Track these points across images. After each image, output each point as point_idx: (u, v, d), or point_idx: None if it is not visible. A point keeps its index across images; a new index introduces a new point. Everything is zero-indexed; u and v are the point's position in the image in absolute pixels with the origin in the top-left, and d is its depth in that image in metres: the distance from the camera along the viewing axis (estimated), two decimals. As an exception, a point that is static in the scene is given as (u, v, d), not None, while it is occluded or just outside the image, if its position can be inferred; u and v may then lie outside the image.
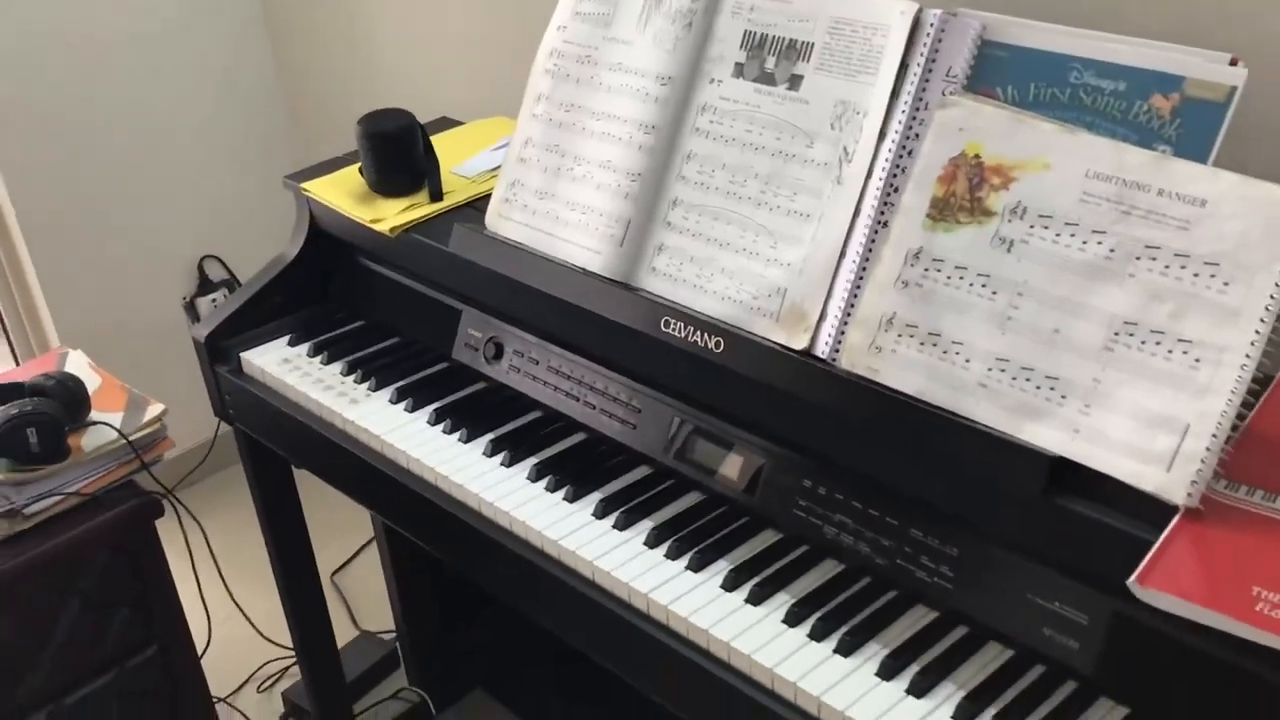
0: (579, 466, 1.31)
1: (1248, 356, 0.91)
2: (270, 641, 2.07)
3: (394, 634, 2.13)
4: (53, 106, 2.30)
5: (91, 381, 1.83)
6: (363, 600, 2.25)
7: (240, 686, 2.10)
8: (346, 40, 2.33)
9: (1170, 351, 0.94)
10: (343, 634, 2.14)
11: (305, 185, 1.60)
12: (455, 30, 2.09)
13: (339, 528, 2.29)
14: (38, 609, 1.70)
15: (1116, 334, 0.97)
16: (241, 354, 1.58)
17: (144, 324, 2.48)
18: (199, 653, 1.91)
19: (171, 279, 2.56)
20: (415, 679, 2.06)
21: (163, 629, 1.85)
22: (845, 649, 1.06)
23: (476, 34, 2.05)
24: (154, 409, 1.81)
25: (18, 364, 2.47)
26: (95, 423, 1.76)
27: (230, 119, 2.53)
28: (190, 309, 2.59)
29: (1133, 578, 0.88)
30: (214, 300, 2.57)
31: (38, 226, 2.34)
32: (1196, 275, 0.94)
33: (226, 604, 2.03)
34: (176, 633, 1.88)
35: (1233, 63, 0.96)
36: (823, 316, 1.14)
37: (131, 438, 1.76)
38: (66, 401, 1.74)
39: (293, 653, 2.04)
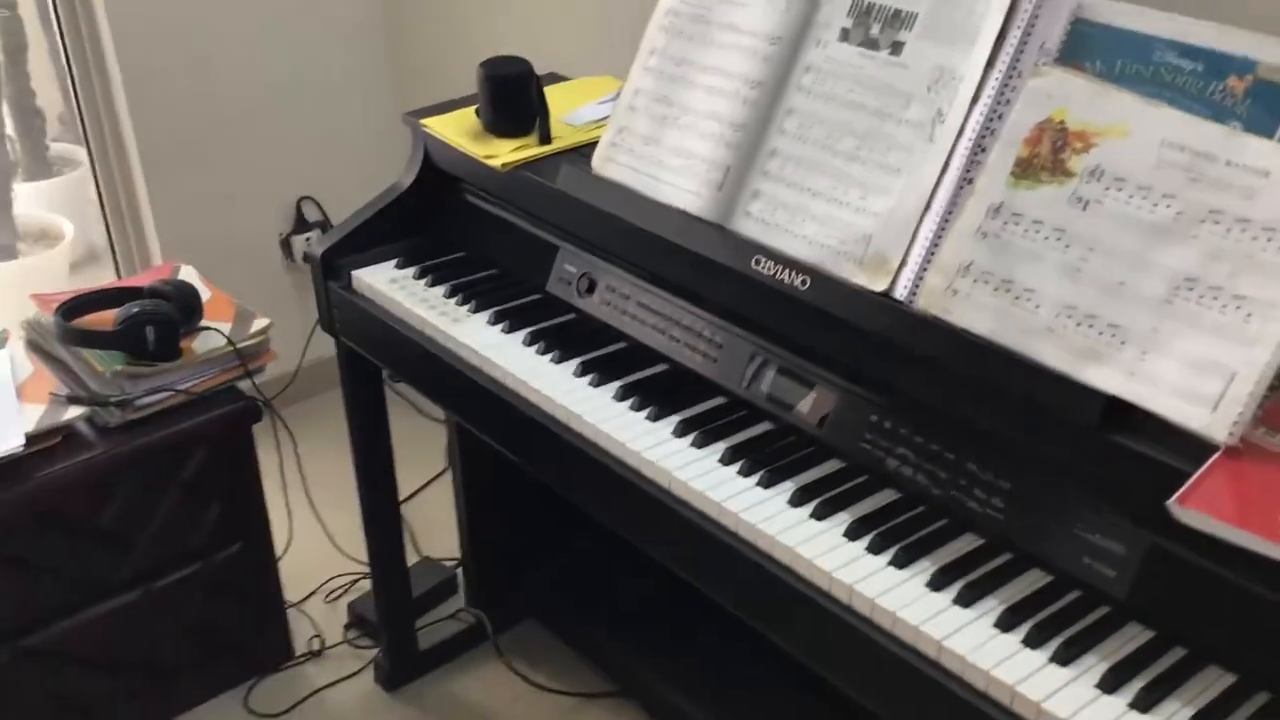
0: (661, 391, 1.41)
1: (1295, 313, 1.00)
2: (343, 554, 2.20)
3: (454, 562, 2.24)
4: (174, 43, 2.44)
5: (204, 293, 1.97)
6: (425, 529, 2.37)
7: (310, 595, 2.22)
8: None
9: (1225, 306, 1.03)
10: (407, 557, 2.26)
11: (424, 121, 1.72)
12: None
13: (409, 460, 2.41)
14: (141, 495, 1.85)
15: (1177, 288, 1.06)
16: (354, 271, 1.70)
17: (241, 255, 2.61)
18: (276, 557, 2.05)
19: (270, 215, 2.69)
20: (472, 604, 2.17)
21: (248, 528, 1.99)
22: (900, 562, 1.16)
23: None
24: (260, 322, 1.95)
25: (119, 277, 2.61)
26: (206, 328, 1.90)
27: (336, 67, 2.66)
28: (285, 246, 2.73)
29: (1173, 499, 0.98)
30: (308, 239, 2.70)
31: (153, 152, 2.49)
32: (1255, 239, 1.03)
33: (306, 515, 2.16)
34: (259, 534, 2.02)
35: (1307, 49, 1.05)
36: (904, 263, 1.24)
37: (239, 345, 1.89)
38: (182, 306, 1.88)
39: (360, 567, 2.16)
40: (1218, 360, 1.03)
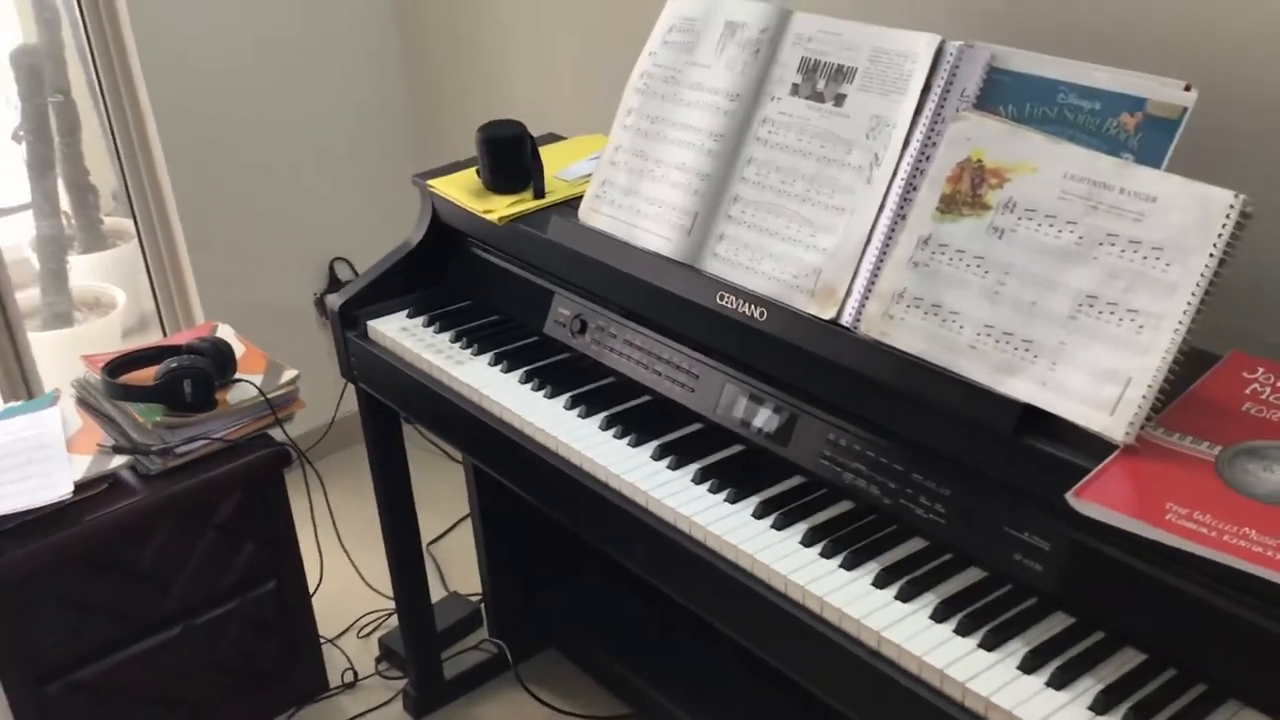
0: (643, 420, 1.54)
1: (1180, 323, 1.11)
2: (374, 590, 2.33)
3: (479, 596, 2.37)
4: (212, 121, 2.63)
5: (238, 349, 2.13)
6: (454, 567, 2.50)
7: (344, 631, 2.36)
8: (470, 68, 2.63)
9: (1120, 319, 1.15)
10: (434, 594, 2.39)
11: (430, 182, 1.88)
12: (567, 57, 2.37)
13: (437, 504, 2.56)
14: (181, 536, 1.99)
15: (1080, 305, 1.17)
16: (369, 321, 1.85)
17: (278, 315, 2.78)
18: (310, 594, 2.19)
19: (306, 275, 2.86)
20: (496, 634, 2.29)
21: (281, 567, 2.13)
22: (849, 564, 1.27)
23: (585, 62, 2.32)
24: (289, 374, 2.10)
25: (165, 336, 2.79)
26: (240, 380, 2.05)
27: (363, 137, 2.84)
28: (319, 304, 2.90)
29: (1071, 492, 1.08)
30: (341, 298, 2.87)
31: (195, 222, 2.67)
32: (1145, 258, 1.14)
33: (338, 556, 2.30)
34: (293, 572, 2.15)
35: (1186, 88, 1.17)
36: (849, 292, 1.36)
37: (269, 395, 2.04)
38: (217, 361, 2.04)
39: (389, 603, 2.29)
40: (1115, 368, 1.14)
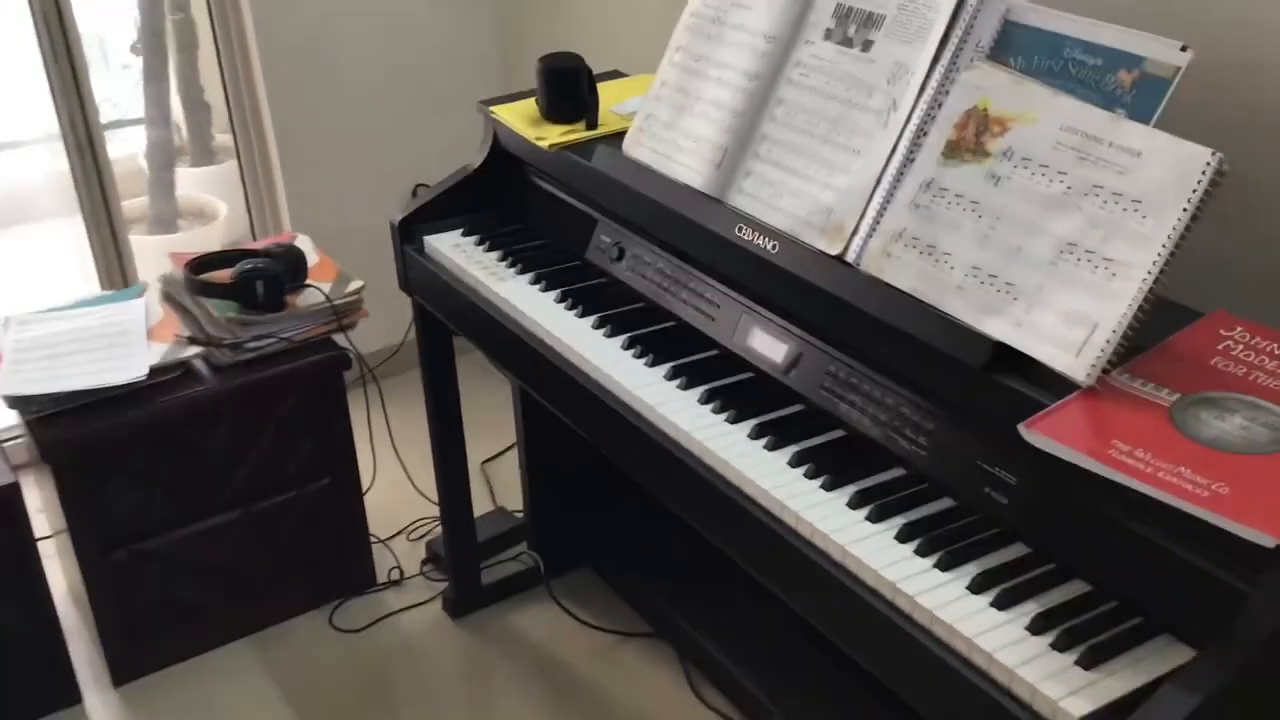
0: (662, 344, 1.62)
1: (1148, 273, 1.15)
2: (425, 498, 2.47)
3: (523, 513, 2.48)
4: (308, 48, 2.76)
5: (311, 257, 2.27)
6: (504, 487, 2.63)
7: (395, 534, 2.50)
8: (554, 5, 2.72)
9: (1095, 267, 1.19)
10: (485, 508, 2.52)
11: (493, 108, 1.97)
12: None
13: (496, 427, 2.68)
14: (245, 426, 2.15)
15: (1061, 251, 1.22)
16: (425, 237, 1.96)
17: (360, 233, 2.90)
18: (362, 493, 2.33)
19: (389, 199, 2.99)
20: (534, 548, 2.41)
21: (337, 465, 2.27)
22: (828, 485, 1.34)
23: (660, 4, 2.39)
24: (355, 283, 2.24)
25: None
26: (309, 286, 2.19)
27: (451, 68, 2.95)
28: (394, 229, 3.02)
29: (1023, 424, 1.14)
30: (422, 223, 2.99)
31: (288, 143, 2.81)
32: (1124, 209, 1.19)
33: (393, 464, 2.45)
34: (347, 471, 2.30)
35: (1183, 49, 1.20)
36: (855, 231, 1.42)
37: (335, 302, 2.18)
38: (290, 266, 2.18)
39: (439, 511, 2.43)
40: (1085, 313, 1.19)
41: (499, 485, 2.65)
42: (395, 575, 2.42)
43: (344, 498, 2.30)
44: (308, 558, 2.29)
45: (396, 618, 2.33)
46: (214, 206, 3.60)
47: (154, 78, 3.42)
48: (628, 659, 2.21)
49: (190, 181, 3.68)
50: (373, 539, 2.41)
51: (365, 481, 2.34)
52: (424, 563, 2.45)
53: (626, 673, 2.18)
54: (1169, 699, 1.01)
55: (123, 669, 2.18)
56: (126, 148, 3.68)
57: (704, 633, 2.14)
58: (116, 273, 2.80)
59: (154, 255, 3.20)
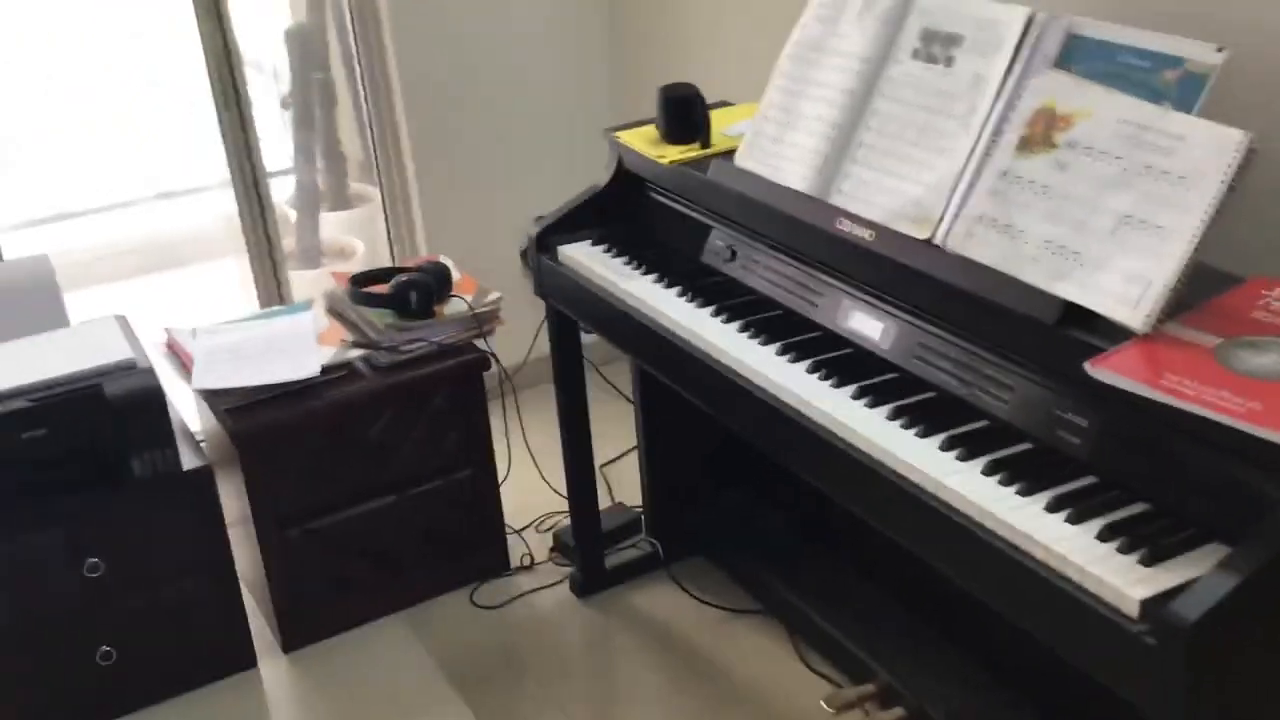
0: (772, 327, 1.86)
1: (1194, 235, 1.37)
2: (554, 491, 2.73)
3: (640, 508, 2.72)
4: (448, 102, 3.07)
5: (455, 274, 2.56)
6: (621, 486, 2.87)
7: (526, 526, 2.76)
8: (669, 47, 3.00)
9: (1149, 234, 1.41)
10: (604, 504, 2.76)
11: (617, 133, 2.25)
12: (748, 35, 2.71)
13: (613, 436, 2.93)
14: (400, 419, 2.42)
15: (1119, 222, 1.44)
16: (559, 247, 2.24)
17: (491, 265, 3.21)
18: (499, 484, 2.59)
19: (513, 228, 3.27)
20: (651, 536, 2.65)
21: (477, 458, 2.54)
22: (922, 434, 1.56)
23: (762, 40, 2.65)
24: (494, 295, 2.52)
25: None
26: (454, 297, 2.48)
27: (572, 114, 3.25)
28: (524, 257, 3.31)
29: (1088, 361, 1.35)
30: (544, 252, 3.27)
31: (426, 176, 3.13)
32: (1171, 185, 1.40)
33: (526, 463, 2.72)
34: (486, 464, 2.56)
35: (1219, 50, 1.42)
36: (941, 218, 1.65)
37: (477, 311, 2.46)
38: (438, 280, 2.47)
39: (565, 505, 2.67)
40: (1141, 272, 1.40)
41: (616, 485, 2.89)
42: (526, 561, 2.67)
43: (483, 487, 2.56)
44: (452, 541, 2.56)
45: (529, 597, 2.57)
46: (352, 245, 3.94)
47: (303, 127, 3.78)
48: (740, 632, 2.42)
49: (329, 224, 4.03)
50: (506, 530, 2.66)
51: (500, 476, 2.60)
52: (551, 550, 2.70)
53: (739, 644, 2.39)
54: (1212, 580, 1.20)
55: (292, 637, 2.45)
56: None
57: (809, 605, 2.34)
58: (276, 301, 3.12)
59: (301, 287, 3.53)
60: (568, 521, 2.65)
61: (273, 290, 3.13)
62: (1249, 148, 1.35)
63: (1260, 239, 1.65)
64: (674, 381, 1.98)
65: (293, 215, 3.91)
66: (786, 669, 2.31)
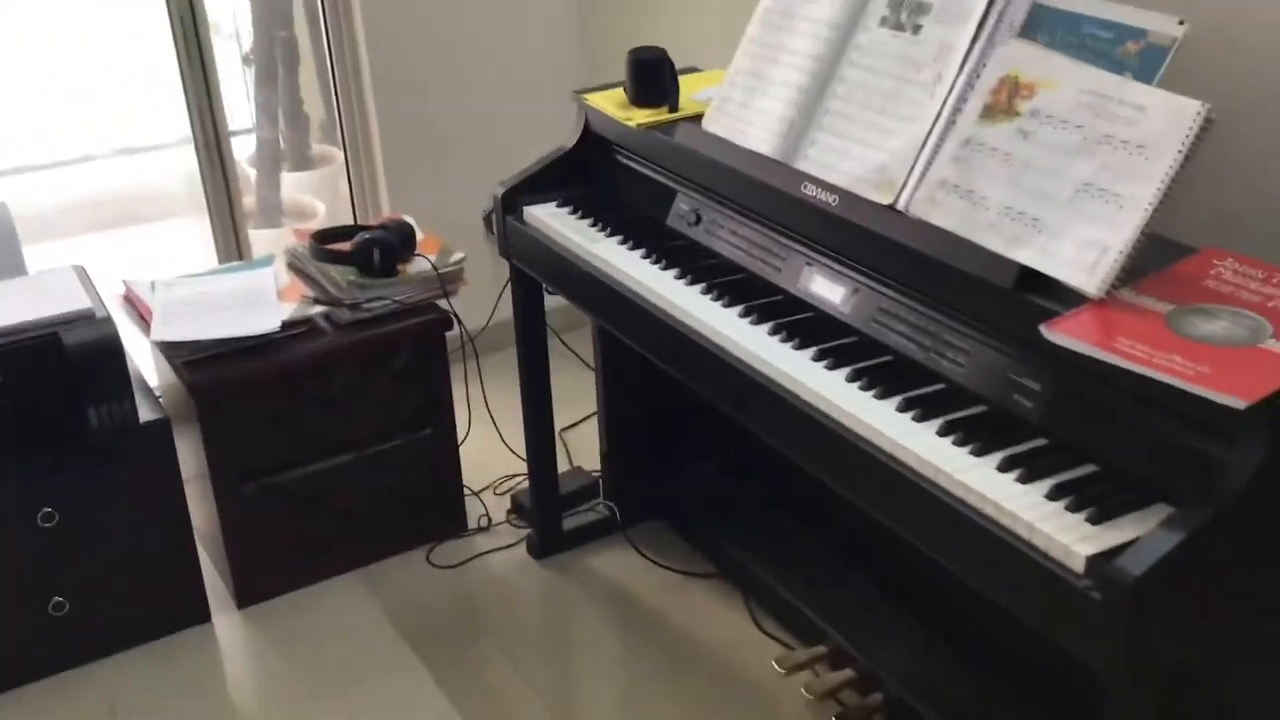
0: (736, 289, 1.87)
1: (1150, 203, 1.39)
2: (512, 453, 2.74)
3: (599, 473, 2.73)
4: (414, 66, 3.05)
5: (419, 234, 2.55)
6: (580, 451, 2.88)
7: (484, 488, 2.77)
8: (639, 11, 3.00)
9: (1106, 201, 1.43)
10: (563, 468, 2.77)
11: (586, 95, 2.25)
12: (719, 1, 2.72)
13: (573, 400, 2.94)
14: (361, 377, 2.42)
15: (1078, 190, 1.47)
16: (525, 207, 2.24)
17: (454, 228, 3.20)
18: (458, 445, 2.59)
19: (479, 190, 3.26)
20: (609, 500, 2.67)
21: (438, 417, 2.54)
22: (880, 395, 1.58)
23: (733, 5, 2.66)
24: (458, 255, 2.51)
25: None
26: (418, 256, 2.47)
27: (540, 76, 3.24)
28: (487, 222, 3.30)
29: (1044, 324, 1.38)
30: (508, 217, 3.27)
31: (392, 149, 3.11)
32: (1130, 154, 1.43)
33: (485, 424, 2.72)
34: (446, 424, 2.57)
35: (1180, 23, 1.45)
36: (905, 184, 1.67)
37: (440, 270, 2.46)
38: (401, 238, 2.47)
39: (524, 468, 2.68)
40: (1098, 239, 1.43)
41: (575, 450, 2.91)
42: (484, 522, 2.68)
43: (442, 448, 2.57)
44: (410, 500, 2.56)
45: (486, 558, 2.58)
46: (313, 206, 3.92)
47: (265, 85, 3.75)
48: (694, 595, 2.44)
49: (290, 184, 4.00)
50: (465, 491, 2.67)
51: (460, 437, 2.60)
52: (509, 512, 2.71)
53: (693, 606, 2.41)
54: (1155, 538, 1.24)
55: (246, 593, 2.45)
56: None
57: (762, 569, 2.37)
58: (235, 259, 3.10)
59: (262, 246, 3.51)
60: (526, 484, 2.66)
61: (233, 249, 3.11)
62: (1206, 118, 1.38)
63: (1215, 211, 1.69)
64: (637, 342, 1.99)
65: (253, 174, 3.88)
66: (740, 631, 2.34)
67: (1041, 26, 1.59)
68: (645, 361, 2.01)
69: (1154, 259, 1.48)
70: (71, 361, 2.10)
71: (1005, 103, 1.57)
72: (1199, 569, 1.24)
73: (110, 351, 2.14)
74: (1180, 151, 1.39)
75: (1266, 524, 1.27)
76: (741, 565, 2.41)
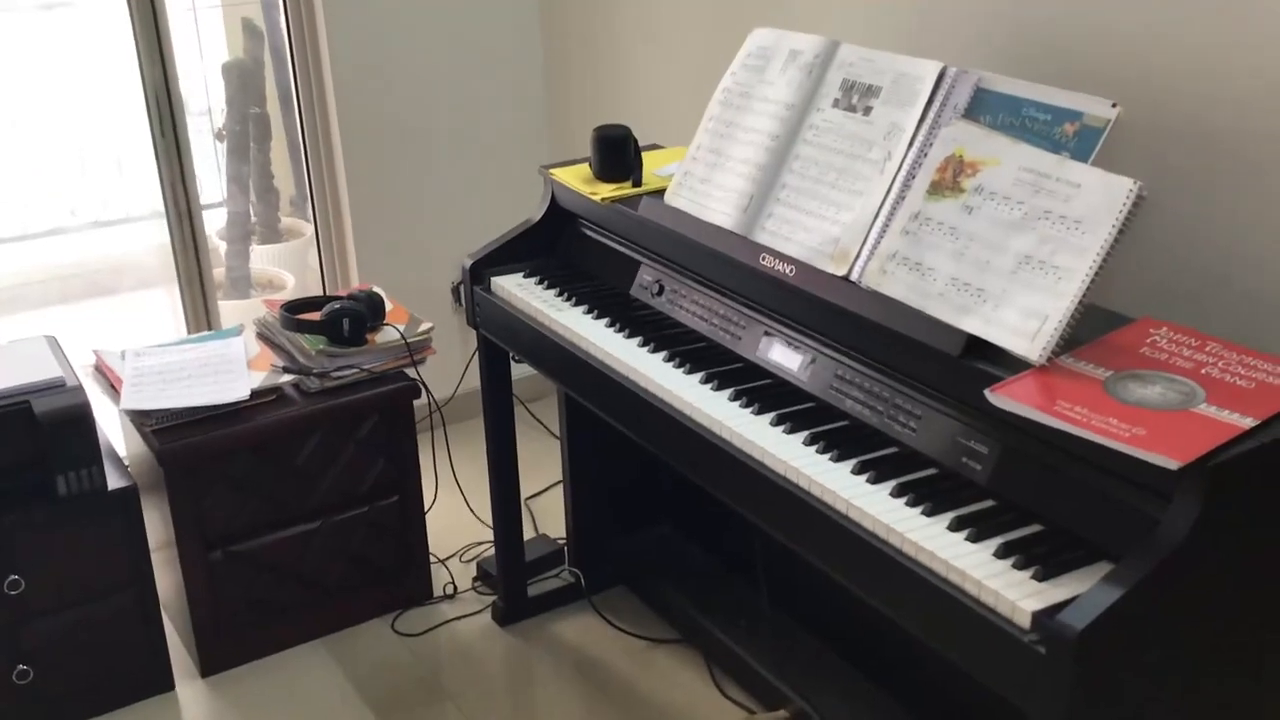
0: (698, 357, 1.93)
1: (1087, 275, 1.47)
2: (479, 521, 2.77)
3: (564, 540, 2.76)
4: (386, 147, 3.13)
5: (388, 305, 2.60)
6: (545, 519, 2.92)
7: (450, 556, 2.79)
8: (602, 90, 3.09)
9: (1046, 273, 1.51)
10: (528, 535, 2.80)
11: (552, 170, 2.32)
12: (681, 80, 2.81)
13: (538, 469, 2.99)
14: (329, 445, 2.45)
15: (1020, 263, 1.54)
16: (492, 278, 2.30)
17: (424, 299, 3.26)
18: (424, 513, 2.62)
19: (449, 260, 3.33)
20: (574, 566, 2.70)
21: (405, 485, 2.57)
22: (836, 458, 1.64)
23: (695, 84, 2.76)
24: (425, 325, 2.56)
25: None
26: (386, 325, 2.52)
27: (509, 151, 3.32)
28: (455, 294, 3.37)
29: (989, 389, 1.45)
30: (475, 289, 3.33)
31: (361, 210, 3.18)
32: (1068, 228, 1.51)
33: (452, 493, 2.75)
34: (414, 492, 2.60)
35: (1113, 105, 1.54)
36: (859, 255, 1.75)
37: (409, 340, 2.51)
38: (371, 308, 2.51)
39: (489, 536, 2.71)
40: (1039, 309, 1.50)
41: (541, 518, 2.94)
42: (449, 590, 2.70)
43: (409, 516, 2.60)
44: (375, 568, 2.58)
45: (451, 625, 2.60)
46: (281, 278, 3.97)
47: (238, 159, 3.81)
48: (658, 661, 2.47)
49: (259, 257, 4.05)
50: (431, 558, 2.69)
51: (427, 505, 2.63)
52: (475, 580, 2.73)
53: (657, 672, 2.44)
54: (1096, 593, 1.29)
55: (211, 661, 2.45)
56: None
57: (724, 633, 2.40)
58: (205, 330, 3.14)
59: (231, 317, 3.54)
60: (491, 551, 2.69)
61: (202, 319, 3.15)
62: (1139, 194, 1.46)
63: (1153, 283, 1.77)
64: (601, 409, 2.04)
65: (224, 247, 3.92)
66: (702, 696, 2.36)
67: (985, 108, 1.68)
68: (610, 430, 2.05)
69: (1094, 328, 1.56)
70: (42, 429, 2.13)
71: (950, 180, 1.65)
72: (1140, 621, 1.29)
73: (80, 420, 2.17)
74: (1114, 226, 1.47)
75: (1202, 577, 1.33)
76: (703, 629, 2.44)
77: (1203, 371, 1.44)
